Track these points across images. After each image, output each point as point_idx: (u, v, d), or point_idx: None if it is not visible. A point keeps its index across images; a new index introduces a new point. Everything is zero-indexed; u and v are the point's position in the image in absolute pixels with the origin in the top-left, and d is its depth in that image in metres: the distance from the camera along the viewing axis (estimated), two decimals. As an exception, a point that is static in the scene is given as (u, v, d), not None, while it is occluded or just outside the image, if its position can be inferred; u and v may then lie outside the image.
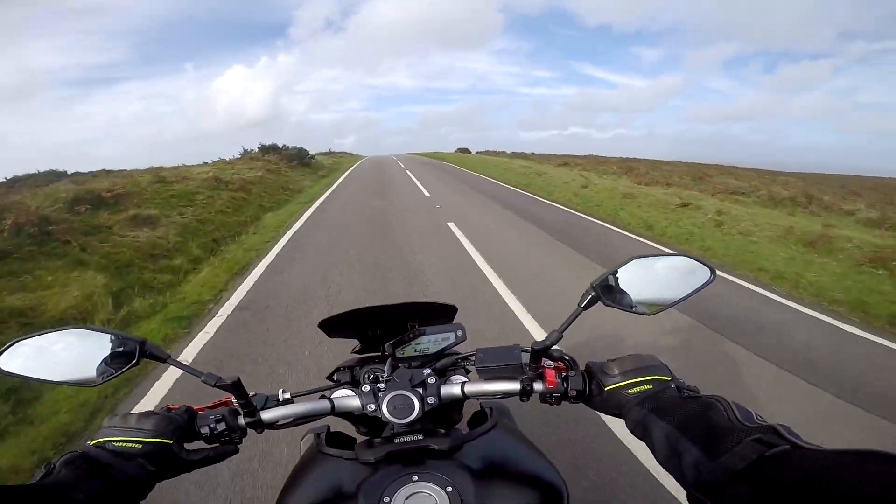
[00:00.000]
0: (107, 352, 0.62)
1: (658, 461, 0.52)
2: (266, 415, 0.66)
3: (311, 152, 20.84)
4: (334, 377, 0.87)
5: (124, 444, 0.54)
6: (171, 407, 0.62)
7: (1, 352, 0.60)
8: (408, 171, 19.09)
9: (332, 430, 0.83)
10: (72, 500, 0.45)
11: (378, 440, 0.70)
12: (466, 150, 50.89)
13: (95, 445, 0.54)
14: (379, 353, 0.91)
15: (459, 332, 0.81)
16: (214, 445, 0.62)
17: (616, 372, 0.62)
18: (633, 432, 0.58)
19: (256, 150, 17.80)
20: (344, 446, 0.73)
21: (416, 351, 0.80)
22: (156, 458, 0.55)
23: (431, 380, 0.70)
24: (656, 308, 0.68)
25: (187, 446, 0.60)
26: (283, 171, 14.67)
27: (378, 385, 0.70)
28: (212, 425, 0.62)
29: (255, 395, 0.67)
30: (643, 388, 0.59)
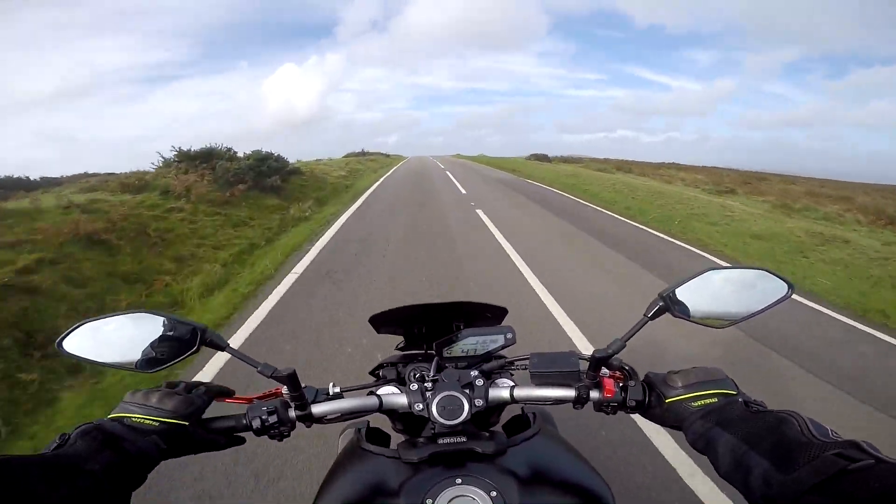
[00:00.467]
0: (168, 336, 0.62)
1: (720, 474, 0.50)
2: (316, 409, 0.66)
3: (291, 161, 12.23)
4: (379, 373, 0.87)
5: (141, 420, 0.55)
6: (191, 385, 0.63)
7: (66, 333, 0.60)
8: (485, 216, 8.30)
9: (370, 426, 0.82)
10: (86, 470, 0.46)
11: (421, 440, 0.69)
12: (544, 158, 40.80)
13: (112, 419, 0.55)
14: (422, 352, 0.90)
15: (509, 335, 0.79)
16: (228, 430, 0.62)
17: (679, 384, 0.60)
18: (693, 445, 0.56)
19: (173, 158, 9.76)
20: (380, 443, 0.73)
21: (462, 351, 0.79)
22: (170, 437, 0.56)
23: (479, 382, 0.68)
24: (727, 322, 0.64)
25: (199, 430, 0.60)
26: (197, 212, 6.87)
27: (425, 384, 0.69)
28: (263, 417, 0.62)
29: (306, 387, 0.67)
30: (708, 401, 0.57)
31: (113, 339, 0.63)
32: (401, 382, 0.81)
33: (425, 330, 0.87)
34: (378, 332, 0.88)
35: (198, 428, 0.59)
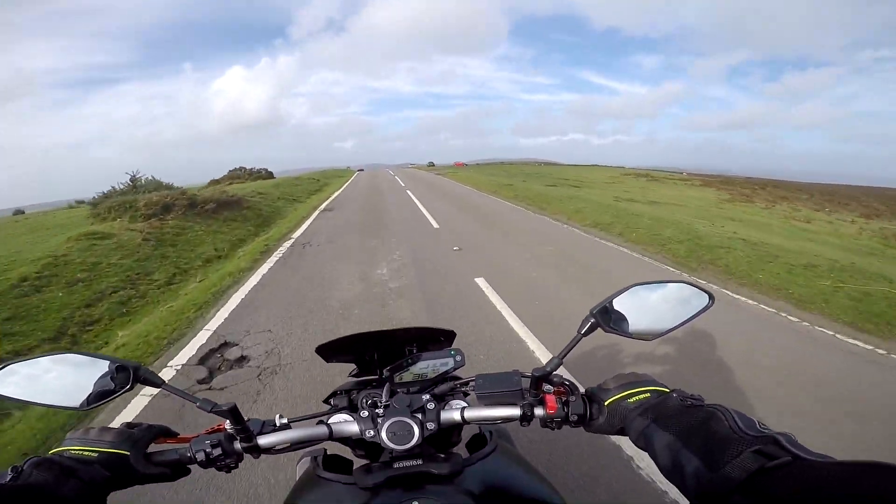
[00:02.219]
0: (103, 375, 0.62)
1: (661, 472, 0.52)
2: (263, 440, 0.65)
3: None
4: (331, 401, 0.86)
5: (81, 452, 0.56)
6: (131, 424, 0.64)
7: None
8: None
9: (328, 453, 0.81)
10: (59, 497, 0.49)
11: (377, 465, 0.69)
12: (548, 165, 39.77)
13: (54, 453, 0.56)
14: (377, 377, 0.90)
15: (458, 358, 0.81)
16: (172, 462, 0.63)
17: (613, 386, 0.63)
18: (635, 443, 0.58)
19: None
20: (341, 470, 0.72)
21: (414, 376, 0.80)
22: (111, 467, 0.57)
23: (431, 405, 0.69)
24: (655, 334, 0.68)
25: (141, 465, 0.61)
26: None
27: (377, 410, 0.70)
28: (207, 450, 0.62)
29: (251, 420, 0.67)
30: (642, 396, 0.60)
31: (45, 379, 0.62)
32: (353, 409, 0.81)
33: (377, 356, 0.88)
34: (327, 361, 0.88)
35: (140, 459, 0.60)
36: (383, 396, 0.77)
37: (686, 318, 0.68)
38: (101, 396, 0.61)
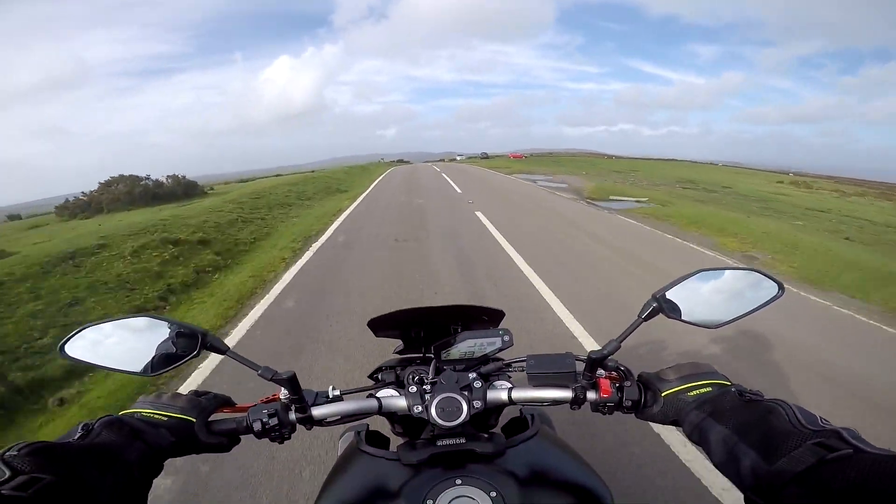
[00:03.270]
0: (169, 341, 0.63)
1: (714, 465, 0.51)
2: (316, 411, 0.67)
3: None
4: (378, 376, 0.87)
5: (152, 415, 0.58)
6: (199, 392, 0.65)
7: (68, 338, 0.61)
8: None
9: (369, 429, 0.83)
10: (123, 460, 0.50)
11: (420, 441, 0.70)
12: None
13: (125, 414, 0.58)
14: (420, 355, 0.90)
15: (506, 338, 0.80)
16: (230, 431, 0.64)
17: (673, 377, 0.61)
18: (689, 437, 0.57)
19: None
20: (380, 446, 0.74)
21: (460, 354, 0.80)
22: (177, 432, 0.58)
23: (478, 384, 0.69)
24: (719, 322, 0.65)
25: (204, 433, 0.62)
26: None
27: (424, 387, 0.70)
28: (264, 419, 0.63)
29: (305, 390, 0.68)
30: (703, 391, 0.58)
31: (115, 343, 0.64)
32: (399, 385, 0.82)
33: (423, 334, 0.88)
34: (376, 335, 0.89)
35: (203, 428, 0.61)
36: (430, 373, 0.77)
37: (752, 308, 0.65)
38: (167, 361, 0.63)
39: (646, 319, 0.63)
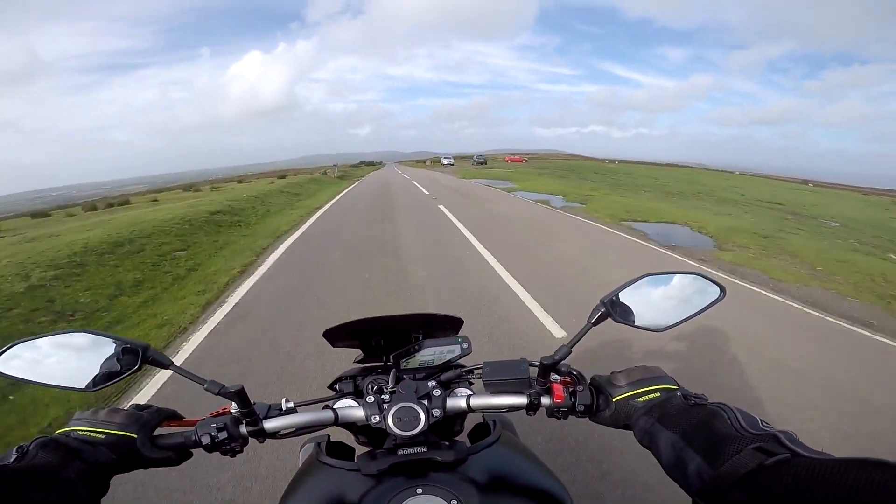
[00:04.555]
0: (109, 356, 0.61)
1: (664, 470, 0.53)
2: (269, 424, 0.65)
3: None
4: (336, 387, 0.86)
5: (88, 433, 0.56)
6: (140, 406, 0.63)
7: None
8: None
9: (331, 439, 0.81)
10: (64, 479, 0.49)
11: (381, 451, 0.69)
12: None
13: (61, 433, 0.56)
14: (382, 364, 0.90)
15: (465, 345, 0.81)
16: (178, 445, 0.63)
17: (623, 382, 0.63)
18: (640, 442, 0.59)
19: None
20: (343, 456, 0.73)
21: (420, 362, 0.80)
22: (118, 450, 0.57)
23: (437, 392, 0.69)
24: (664, 326, 0.68)
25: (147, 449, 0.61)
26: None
27: (382, 396, 0.69)
28: (213, 433, 0.62)
29: (257, 403, 0.66)
30: (651, 396, 0.60)
31: (51, 358, 0.61)
32: (359, 395, 0.81)
33: (383, 342, 0.87)
34: (333, 345, 0.88)
35: (147, 443, 0.60)
36: (389, 382, 0.76)
37: (696, 311, 0.68)
38: (107, 378, 0.61)
39: (595, 324, 0.65)
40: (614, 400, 0.62)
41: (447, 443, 0.70)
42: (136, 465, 0.59)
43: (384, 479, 0.63)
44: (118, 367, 0.61)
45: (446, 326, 0.89)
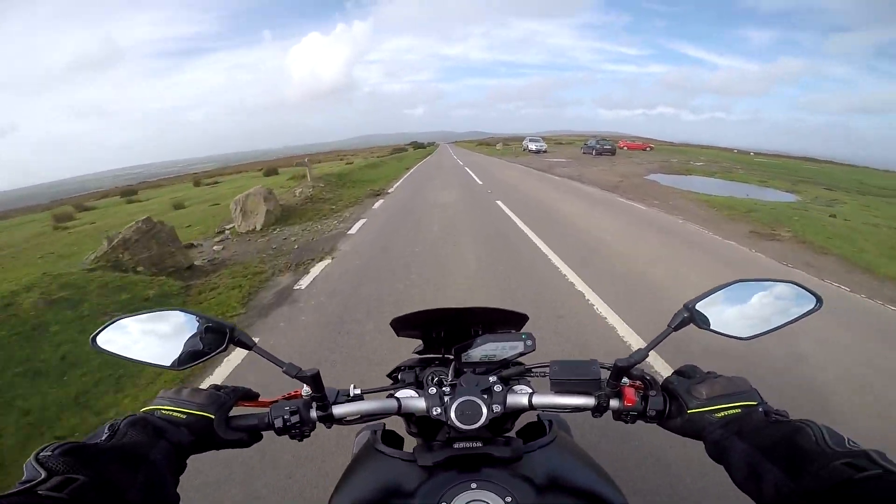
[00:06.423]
0: (197, 336, 0.64)
1: (735, 482, 0.50)
2: (337, 409, 0.67)
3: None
4: (397, 376, 0.88)
5: (171, 412, 0.58)
6: (219, 386, 0.65)
7: (99, 330, 0.63)
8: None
9: (386, 428, 0.83)
10: (150, 459, 0.51)
11: (437, 443, 0.69)
12: None
13: (146, 411, 0.58)
14: (440, 356, 0.90)
15: (529, 342, 0.79)
16: (251, 427, 0.64)
17: (703, 395, 0.59)
18: (710, 454, 0.56)
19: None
20: (394, 445, 0.74)
21: (481, 357, 0.79)
22: (196, 430, 0.58)
23: (498, 387, 0.68)
24: (752, 335, 0.63)
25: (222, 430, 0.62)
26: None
27: (443, 388, 0.69)
28: (286, 416, 0.63)
29: (328, 388, 0.68)
30: (731, 412, 0.56)
31: (144, 336, 0.65)
32: (418, 386, 0.82)
33: (444, 335, 0.87)
34: (398, 335, 0.89)
35: (223, 424, 0.62)
36: (450, 375, 0.76)
37: (788, 320, 0.63)
38: (193, 357, 0.64)
39: (675, 329, 0.62)
40: (689, 412, 0.59)
41: (502, 439, 0.69)
42: (211, 447, 0.61)
43: (438, 472, 0.63)
44: (206, 346, 0.64)
45: (509, 321, 0.87)
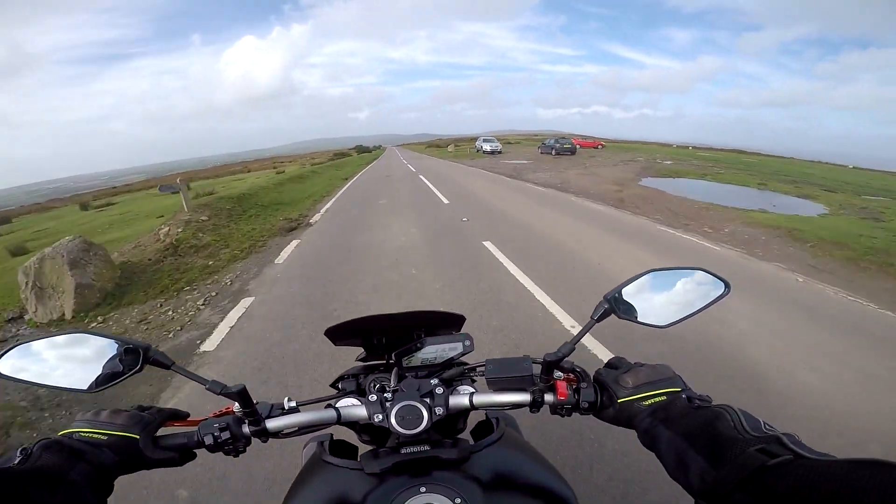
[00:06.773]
0: (110, 357, 0.61)
1: (668, 473, 0.53)
2: (271, 423, 0.65)
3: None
4: (339, 385, 0.86)
5: (90, 434, 0.56)
6: (143, 407, 0.63)
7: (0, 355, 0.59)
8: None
9: (334, 438, 0.81)
10: (69, 480, 0.49)
11: (384, 450, 0.69)
12: None
13: (63, 435, 0.56)
14: (384, 362, 0.90)
15: (467, 343, 0.80)
16: (180, 446, 0.63)
17: (630, 384, 0.62)
18: (643, 443, 0.59)
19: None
20: (346, 455, 0.73)
21: (422, 360, 0.79)
22: (121, 451, 0.57)
23: (439, 390, 0.69)
24: (668, 322, 0.67)
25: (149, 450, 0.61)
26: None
27: (385, 395, 0.69)
28: (216, 433, 0.62)
29: (259, 403, 0.66)
30: (656, 399, 0.59)
31: (52, 360, 0.61)
32: (361, 394, 0.81)
33: (385, 340, 0.87)
34: (335, 344, 0.88)
35: (149, 444, 0.60)
36: (392, 381, 0.76)
37: (701, 306, 0.67)
38: (109, 378, 0.61)
39: (598, 321, 0.65)
40: (619, 401, 0.62)
41: (450, 441, 0.70)
42: (139, 466, 0.59)
43: (387, 478, 0.63)
44: (120, 368, 0.61)
45: (448, 324, 0.88)
